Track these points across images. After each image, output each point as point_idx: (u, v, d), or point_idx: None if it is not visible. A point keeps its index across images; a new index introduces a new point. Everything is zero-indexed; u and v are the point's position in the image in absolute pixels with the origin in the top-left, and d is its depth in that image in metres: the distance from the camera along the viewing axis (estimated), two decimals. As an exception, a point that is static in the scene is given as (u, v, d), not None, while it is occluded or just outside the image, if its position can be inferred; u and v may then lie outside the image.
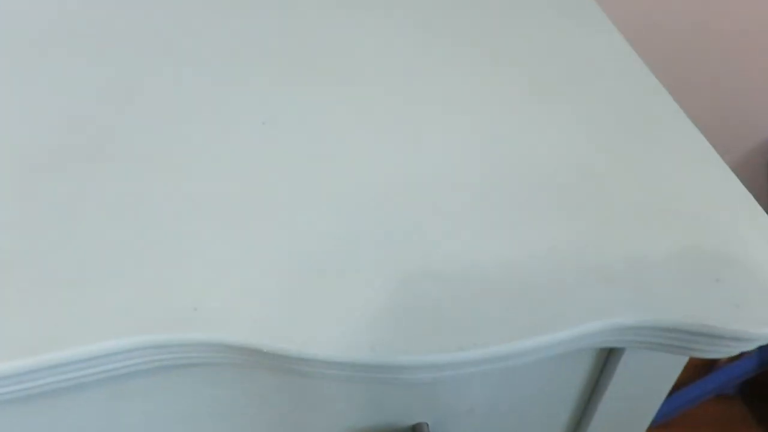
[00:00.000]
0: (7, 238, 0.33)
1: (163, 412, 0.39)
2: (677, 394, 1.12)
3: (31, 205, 0.35)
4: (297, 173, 0.38)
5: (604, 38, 0.51)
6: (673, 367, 0.40)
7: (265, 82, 0.46)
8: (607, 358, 0.39)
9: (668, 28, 0.94)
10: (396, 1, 0.56)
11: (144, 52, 0.48)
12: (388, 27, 0.52)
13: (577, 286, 0.32)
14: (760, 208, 0.37)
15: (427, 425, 0.40)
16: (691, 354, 0.33)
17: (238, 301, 0.31)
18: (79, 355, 0.29)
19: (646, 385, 0.41)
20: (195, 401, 0.39)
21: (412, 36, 0.51)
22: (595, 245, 0.34)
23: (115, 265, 0.32)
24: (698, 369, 1.18)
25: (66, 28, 0.51)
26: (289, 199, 0.36)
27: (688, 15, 0.93)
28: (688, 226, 0.35)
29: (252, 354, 0.30)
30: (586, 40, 0.51)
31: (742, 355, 1.11)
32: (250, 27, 0.52)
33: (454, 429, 0.40)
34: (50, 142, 0.40)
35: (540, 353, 0.30)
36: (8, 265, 0.32)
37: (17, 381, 0.29)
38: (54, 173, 0.37)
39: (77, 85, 0.44)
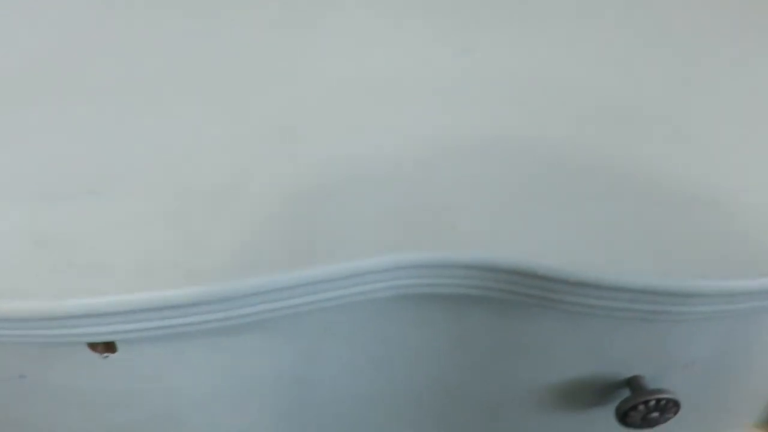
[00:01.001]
0: (257, 149, 0.32)
1: (360, 352, 0.37)
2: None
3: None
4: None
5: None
6: None
7: None
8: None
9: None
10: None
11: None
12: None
13: None
14: None
15: (643, 378, 0.38)
16: None
17: (499, 223, 0.29)
18: (338, 272, 0.27)
19: None
20: (395, 342, 0.37)
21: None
22: None
23: (377, 183, 0.30)
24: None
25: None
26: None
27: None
28: None
29: (526, 282, 0.28)
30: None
31: None
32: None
33: (668, 383, 0.38)
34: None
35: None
36: (256, 180, 0.30)
37: (264, 299, 0.27)
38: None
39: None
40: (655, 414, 0.37)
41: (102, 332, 0.27)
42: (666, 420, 0.37)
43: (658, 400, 0.36)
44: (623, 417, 0.37)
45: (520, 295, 0.29)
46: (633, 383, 0.38)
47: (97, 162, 0.30)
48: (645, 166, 0.32)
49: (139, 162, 0.30)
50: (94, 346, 0.33)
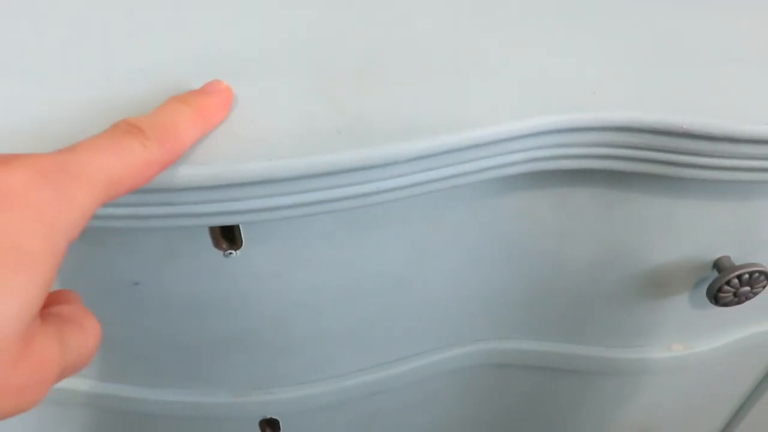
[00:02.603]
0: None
1: (462, 247, 0.38)
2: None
3: None
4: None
5: None
6: None
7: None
8: None
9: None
10: None
11: None
12: None
13: None
14: None
15: (729, 257, 0.40)
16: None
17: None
18: (485, 136, 0.28)
19: None
20: (497, 236, 0.38)
21: None
22: None
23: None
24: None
25: None
26: None
27: None
28: None
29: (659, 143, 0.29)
30: None
31: None
32: None
33: (754, 261, 0.40)
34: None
35: None
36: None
37: (424, 166, 0.28)
38: None
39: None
40: (746, 288, 0.38)
41: (254, 208, 0.27)
42: (756, 294, 0.39)
43: (750, 274, 0.38)
44: (715, 296, 0.39)
45: (643, 161, 0.30)
46: (719, 264, 0.39)
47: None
48: None
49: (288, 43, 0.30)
50: (218, 243, 0.33)
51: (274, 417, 0.46)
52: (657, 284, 0.41)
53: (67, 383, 0.43)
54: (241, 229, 0.32)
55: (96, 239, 0.32)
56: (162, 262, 0.34)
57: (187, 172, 0.25)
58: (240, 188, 0.27)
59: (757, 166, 0.30)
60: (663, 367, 0.47)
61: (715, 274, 0.39)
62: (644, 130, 0.28)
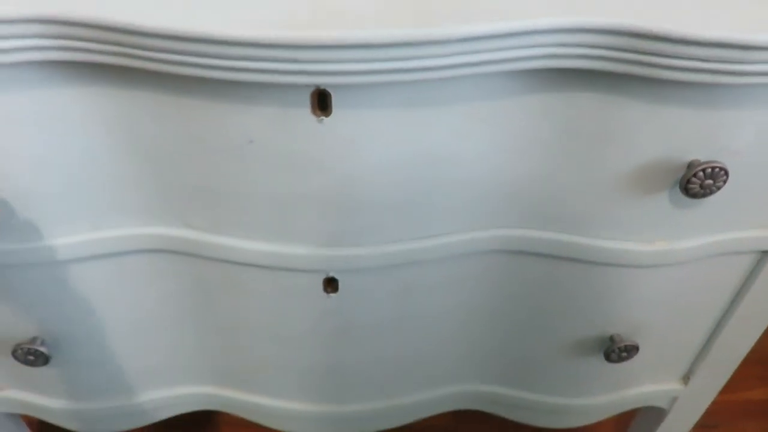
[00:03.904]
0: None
1: (487, 136, 0.50)
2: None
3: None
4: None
5: None
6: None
7: None
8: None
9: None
10: None
11: None
12: None
13: None
14: None
15: (699, 160, 0.51)
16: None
17: None
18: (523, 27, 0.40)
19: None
20: (519, 131, 0.50)
21: None
22: None
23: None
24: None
25: None
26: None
27: None
28: None
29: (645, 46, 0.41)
30: None
31: None
32: None
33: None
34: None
35: None
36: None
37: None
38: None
39: None
40: (710, 181, 0.50)
41: (343, 70, 0.40)
42: (718, 188, 0.50)
43: (712, 168, 0.49)
44: (686, 188, 0.50)
45: (636, 63, 0.42)
46: (691, 164, 0.51)
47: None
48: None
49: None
50: (314, 110, 0.46)
51: (334, 276, 0.59)
52: (642, 181, 0.52)
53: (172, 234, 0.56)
54: (332, 99, 0.45)
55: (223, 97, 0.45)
56: (272, 124, 0.47)
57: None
58: (335, 50, 0.39)
59: (718, 68, 0.42)
60: (649, 261, 0.59)
61: (689, 173, 0.51)
62: (625, 34, 0.40)
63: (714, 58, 0.41)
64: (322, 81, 0.42)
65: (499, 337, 0.69)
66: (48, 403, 0.75)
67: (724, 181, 0.50)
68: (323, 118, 0.46)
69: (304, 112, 0.46)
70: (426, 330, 0.68)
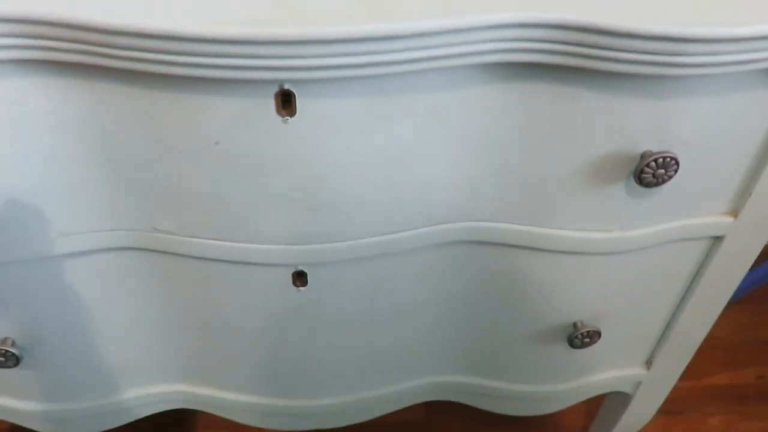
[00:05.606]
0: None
1: (457, 136, 0.51)
2: (752, 271, 1.24)
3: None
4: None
5: None
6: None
7: None
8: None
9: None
10: None
11: None
12: None
13: None
14: None
15: (652, 151, 0.53)
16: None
17: None
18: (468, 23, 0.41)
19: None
20: (482, 129, 0.51)
21: None
22: None
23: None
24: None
25: None
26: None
27: None
28: None
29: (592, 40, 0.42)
30: None
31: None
32: None
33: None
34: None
35: None
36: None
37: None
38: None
39: None
40: (661, 171, 0.52)
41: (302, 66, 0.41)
42: (670, 177, 0.52)
43: (663, 158, 0.51)
44: (639, 177, 0.52)
45: (586, 57, 0.44)
46: (644, 155, 0.53)
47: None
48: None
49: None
50: (279, 110, 0.47)
51: (303, 270, 0.60)
52: (599, 172, 0.54)
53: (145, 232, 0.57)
54: (296, 98, 0.46)
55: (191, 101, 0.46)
56: (238, 125, 0.48)
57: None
58: (295, 46, 0.40)
59: (662, 60, 0.44)
60: (607, 248, 0.61)
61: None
62: (573, 29, 0.42)
63: (658, 51, 0.43)
64: (283, 76, 0.43)
65: (467, 327, 0.71)
66: (19, 406, 0.75)
67: (675, 171, 0.52)
68: (288, 118, 0.47)
69: (268, 112, 0.47)
70: (395, 322, 0.69)
